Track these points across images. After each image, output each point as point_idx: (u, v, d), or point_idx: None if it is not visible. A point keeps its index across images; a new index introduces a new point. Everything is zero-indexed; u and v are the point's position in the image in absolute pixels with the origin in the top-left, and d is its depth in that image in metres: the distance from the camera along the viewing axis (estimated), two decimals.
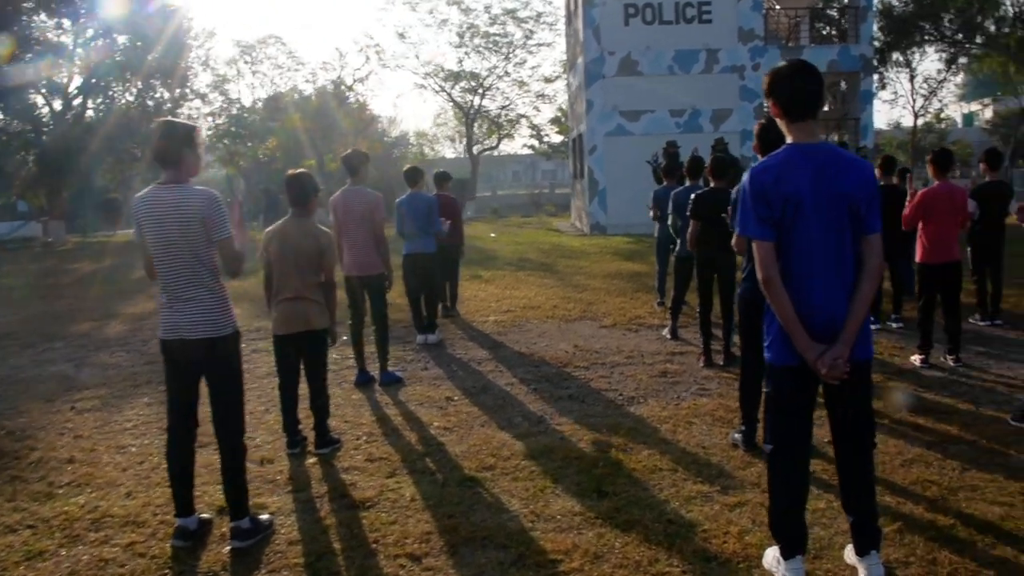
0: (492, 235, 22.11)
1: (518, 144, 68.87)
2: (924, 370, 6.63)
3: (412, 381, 6.89)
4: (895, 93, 46.08)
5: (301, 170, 5.42)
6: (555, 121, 41.83)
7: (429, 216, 8.34)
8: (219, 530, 3.98)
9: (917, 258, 6.83)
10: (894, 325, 8.26)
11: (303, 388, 5.29)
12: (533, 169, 75.81)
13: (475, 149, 39.32)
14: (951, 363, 6.73)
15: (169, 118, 4.67)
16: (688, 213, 6.60)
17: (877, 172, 8.32)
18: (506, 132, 41.22)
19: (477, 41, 34.99)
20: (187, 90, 33.20)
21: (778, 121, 3.10)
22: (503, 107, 38.58)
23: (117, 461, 5.11)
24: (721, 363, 6.96)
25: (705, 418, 5.53)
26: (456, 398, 6.35)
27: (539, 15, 44.02)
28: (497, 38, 34.80)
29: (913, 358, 6.87)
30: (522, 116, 39.89)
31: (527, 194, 49.54)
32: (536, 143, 44.23)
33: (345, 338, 6.80)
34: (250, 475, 4.13)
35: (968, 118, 55.62)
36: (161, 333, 3.75)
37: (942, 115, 48.55)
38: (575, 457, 4.88)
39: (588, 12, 22.98)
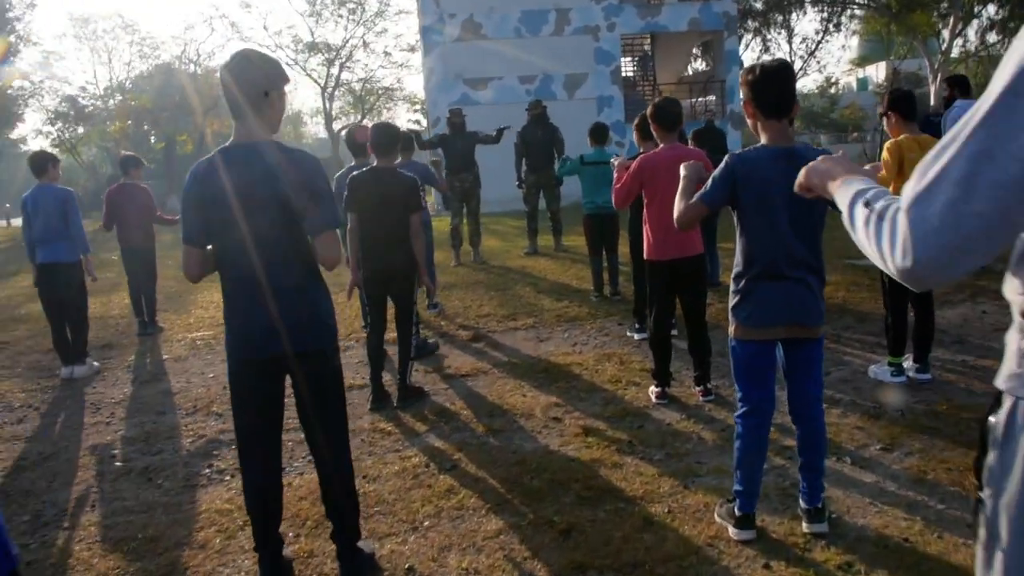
0: None
1: (404, 119, 66.18)
2: (657, 409, 4.73)
3: None
4: (772, 55, 45.14)
5: None
6: None
7: (62, 216, 6.56)
8: None
9: (644, 254, 4.93)
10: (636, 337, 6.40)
11: None
12: None
13: (335, 126, 36.39)
14: (700, 397, 4.86)
15: None
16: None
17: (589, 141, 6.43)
18: (370, 106, 38.25)
19: (330, 9, 32.09)
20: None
21: None
22: (363, 80, 35.65)
23: None
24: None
25: None
26: None
27: None
28: (352, 4, 31.95)
29: (650, 391, 4.98)
30: (387, 89, 36.96)
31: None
32: (422, 117, 41.56)
33: None
34: None
35: (863, 82, 55.03)
36: None
37: (833, 79, 47.82)
38: None
39: None
